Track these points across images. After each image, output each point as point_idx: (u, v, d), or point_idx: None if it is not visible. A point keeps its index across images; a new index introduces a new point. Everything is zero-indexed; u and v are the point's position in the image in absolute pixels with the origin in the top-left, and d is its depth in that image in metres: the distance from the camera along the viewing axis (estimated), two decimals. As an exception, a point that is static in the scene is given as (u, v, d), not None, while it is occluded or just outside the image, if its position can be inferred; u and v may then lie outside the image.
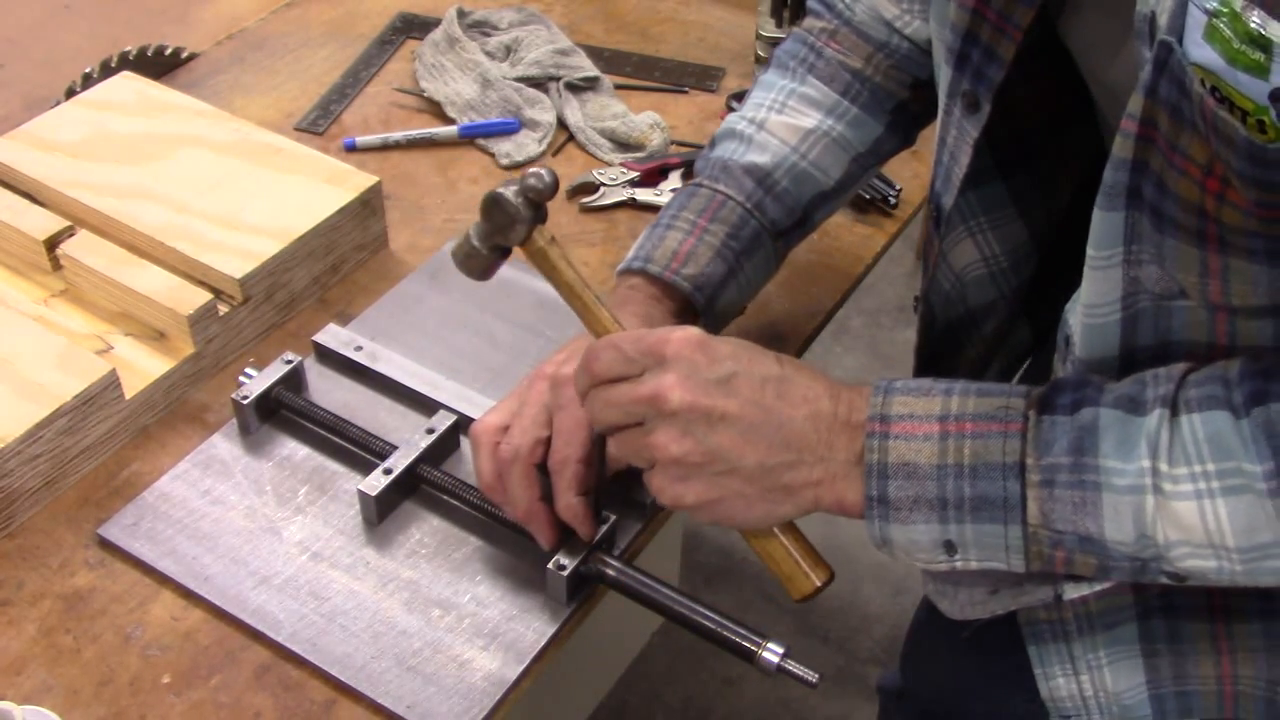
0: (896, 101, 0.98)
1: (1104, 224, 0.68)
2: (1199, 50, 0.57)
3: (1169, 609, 0.78)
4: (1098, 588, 0.76)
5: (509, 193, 0.78)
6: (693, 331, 0.74)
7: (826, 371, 0.76)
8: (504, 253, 0.83)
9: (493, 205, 0.79)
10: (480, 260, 0.83)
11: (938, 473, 0.69)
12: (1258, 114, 0.56)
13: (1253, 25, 0.55)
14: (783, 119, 0.97)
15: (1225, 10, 0.55)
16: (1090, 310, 0.71)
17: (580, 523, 0.86)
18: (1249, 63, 0.55)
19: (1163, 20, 0.60)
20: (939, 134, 0.87)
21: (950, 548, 0.70)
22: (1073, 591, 0.77)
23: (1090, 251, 0.69)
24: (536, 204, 0.79)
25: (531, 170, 0.78)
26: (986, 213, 0.89)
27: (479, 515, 0.93)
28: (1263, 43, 0.54)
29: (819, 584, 0.77)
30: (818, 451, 0.72)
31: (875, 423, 0.70)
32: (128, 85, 1.23)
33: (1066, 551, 0.68)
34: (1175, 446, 0.64)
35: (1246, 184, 0.60)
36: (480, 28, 1.43)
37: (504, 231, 0.80)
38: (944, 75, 0.83)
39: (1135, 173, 0.65)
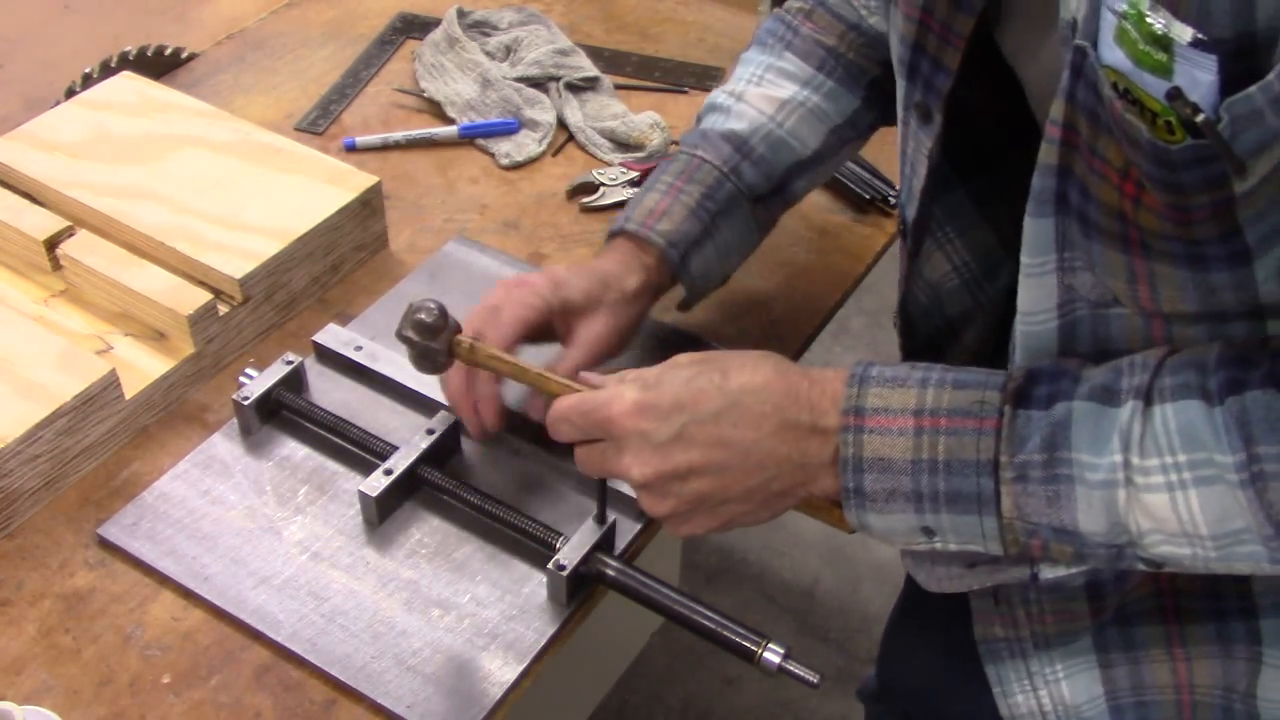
0: (871, 77, 1.00)
1: (1035, 230, 0.69)
2: (1110, 53, 0.58)
3: (1122, 617, 0.79)
4: (1074, 570, 0.77)
5: (409, 333, 0.85)
6: (628, 397, 0.76)
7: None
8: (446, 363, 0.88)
9: (404, 343, 0.86)
10: (432, 367, 0.88)
11: (912, 468, 0.70)
12: (1165, 115, 0.57)
13: (1157, 26, 0.55)
14: (760, 90, 1.00)
15: (1133, 12, 0.56)
16: (1027, 318, 0.72)
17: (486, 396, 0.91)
18: (1153, 63, 0.56)
19: (1078, 24, 0.60)
20: (900, 146, 0.87)
21: (929, 532, 0.72)
22: (1049, 572, 0.77)
23: (1024, 259, 0.70)
24: (437, 330, 0.84)
25: (417, 305, 0.84)
26: (951, 220, 0.89)
27: (479, 515, 0.93)
28: (1164, 43, 0.55)
29: None
30: (792, 459, 0.74)
31: (850, 416, 0.72)
32: (128, 85, 1.23)
33: (1042, 540, 0.69)
34: (1147, 438, 0.64)
35: (1156, 186, 0.60)
36: (480, 28, 1.43)
37: (429, 359, 0.86)
38: (900, 87, 0.84)
39: (1061, 178, 0.66)
